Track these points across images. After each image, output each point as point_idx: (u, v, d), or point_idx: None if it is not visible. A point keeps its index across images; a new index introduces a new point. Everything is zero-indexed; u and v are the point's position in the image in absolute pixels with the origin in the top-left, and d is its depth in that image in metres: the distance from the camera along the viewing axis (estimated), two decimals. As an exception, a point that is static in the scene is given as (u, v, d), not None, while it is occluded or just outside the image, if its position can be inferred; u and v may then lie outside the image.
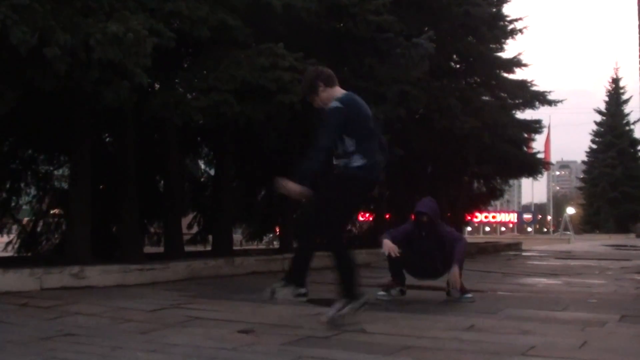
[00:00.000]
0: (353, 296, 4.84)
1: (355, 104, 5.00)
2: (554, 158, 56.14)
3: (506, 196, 48.38)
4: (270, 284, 5.12)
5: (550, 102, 18.79)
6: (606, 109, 59.37)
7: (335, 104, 4.89)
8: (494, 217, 69.80)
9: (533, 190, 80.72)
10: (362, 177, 4.91)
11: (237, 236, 17.76)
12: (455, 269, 6.43)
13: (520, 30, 17.55)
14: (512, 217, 74.38)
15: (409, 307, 6.22)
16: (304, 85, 5.25)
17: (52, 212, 13.13)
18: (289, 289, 4.90)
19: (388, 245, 6.49)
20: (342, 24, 9.89)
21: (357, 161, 4.86)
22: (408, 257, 6.57)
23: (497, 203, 58.20)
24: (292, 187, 4.72)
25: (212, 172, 14.71)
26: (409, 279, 6.87)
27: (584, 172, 63.95)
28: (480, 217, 60.09)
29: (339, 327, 4.71)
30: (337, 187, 4.93)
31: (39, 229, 12.89)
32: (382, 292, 6.73)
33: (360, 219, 19.70)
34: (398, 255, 6.45)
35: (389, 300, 6.58)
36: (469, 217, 27.03)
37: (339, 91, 5.08)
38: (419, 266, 6.71)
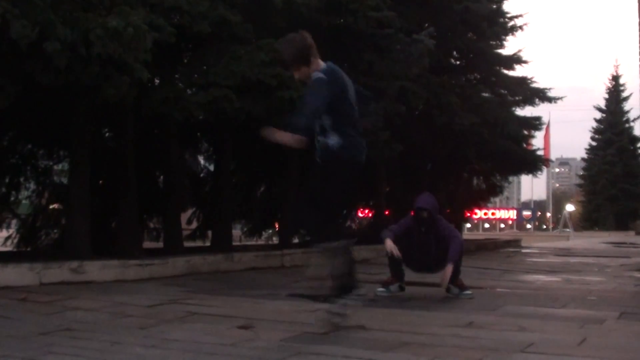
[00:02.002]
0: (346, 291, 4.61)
1: (341, 77, 4.65)
2: (553, 155, 56.12)
3: (506, 193, 48.40)
4: (269, 280, 5.11)
5: (550, 99, 18.81)
6: (606, 106, 59.34)
7: (318, 74, 4.53)
8: (493, 213, 69.96)
9: (532, 187, 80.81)
10: (346, 158, 4.56)
11: (237, 232, 17.76)
12: (448, 268, 6.43)
13: (520, 27, 17.58)
14: (512, 214, 74.57)
15: (407, 303, 6.22)
16: (291, 53, 4.64)
17: (51, 206, 13.12)
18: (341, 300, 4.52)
19: (390, 246, 6.50)
20: (342, 20, 9.90)
21: (335, 140, 4.52)
22: (408, 251, 6.58)
23: (497, 200, 58.24)
24: (282, 135, 4.37)
25: (211, 167, 14.70)
26: (408, 275, 6.88)
27: (584, 169, 63.96)
28: (479, 213, 60.16)
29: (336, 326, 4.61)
30: (325, 175, 4.59)
31: (38, 224, 12.87)
32: (381, 289, 6.73)
33: (360, 215, 19.70)
34: (399, 255, 6.48)
35: (388, 297, 6.59)
36: (469, 214, 26.98)
37: (321, 62, 4.68)
38: (418, 260, 6.74)
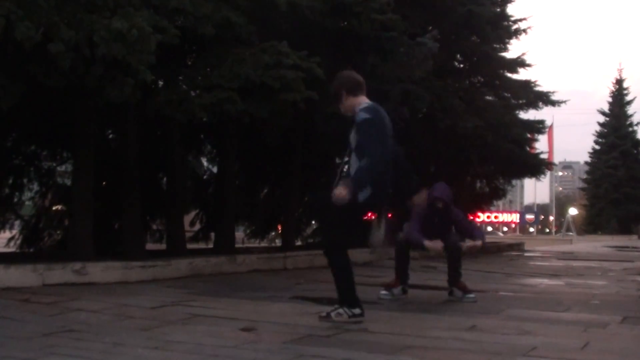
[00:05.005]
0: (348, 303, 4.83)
1: (382, 120, 4.87)
2: (556, 158, 56.07)
3: (509, 196, 48.20)
4: (271, 282, 5.12)
5: (553, 103, 18.76)
6: (609, 110, 59.28)
7: (364, 115, 4.77)
8: (496, 217, 69.71)
9: (536, 190, 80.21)
10: (369, 205, 4.92)
11: (239, 234, 17.76)
12: (478, 242, 6.84)
13: (524, 31, 17.53)
14: (515, 217, 74.28)
15: (410, 306, 6.22)
16: (335, 85, 5.09)
17: (54, 208, 13.14)
18: None
19: (437, 245, 6.58)
20: (346, 23, 9.88)
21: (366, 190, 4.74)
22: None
23: (500, 203, 58.09)
24: (339, 192, 4.61)
25: (214, 169, 14.71)
26: (412, 278, 6.87)
27: (587, 173, 63.93)
28: (482, 217, 59.96)
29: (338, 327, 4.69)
30: (344, 211, 4.73)
31: (41, 225, 12.89)
32: (384, 292, 6.72)
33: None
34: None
35: (391, 300, 6.58)
36: (471, 217, 26.96)
37: (363, 100, 4.94)
38: None
